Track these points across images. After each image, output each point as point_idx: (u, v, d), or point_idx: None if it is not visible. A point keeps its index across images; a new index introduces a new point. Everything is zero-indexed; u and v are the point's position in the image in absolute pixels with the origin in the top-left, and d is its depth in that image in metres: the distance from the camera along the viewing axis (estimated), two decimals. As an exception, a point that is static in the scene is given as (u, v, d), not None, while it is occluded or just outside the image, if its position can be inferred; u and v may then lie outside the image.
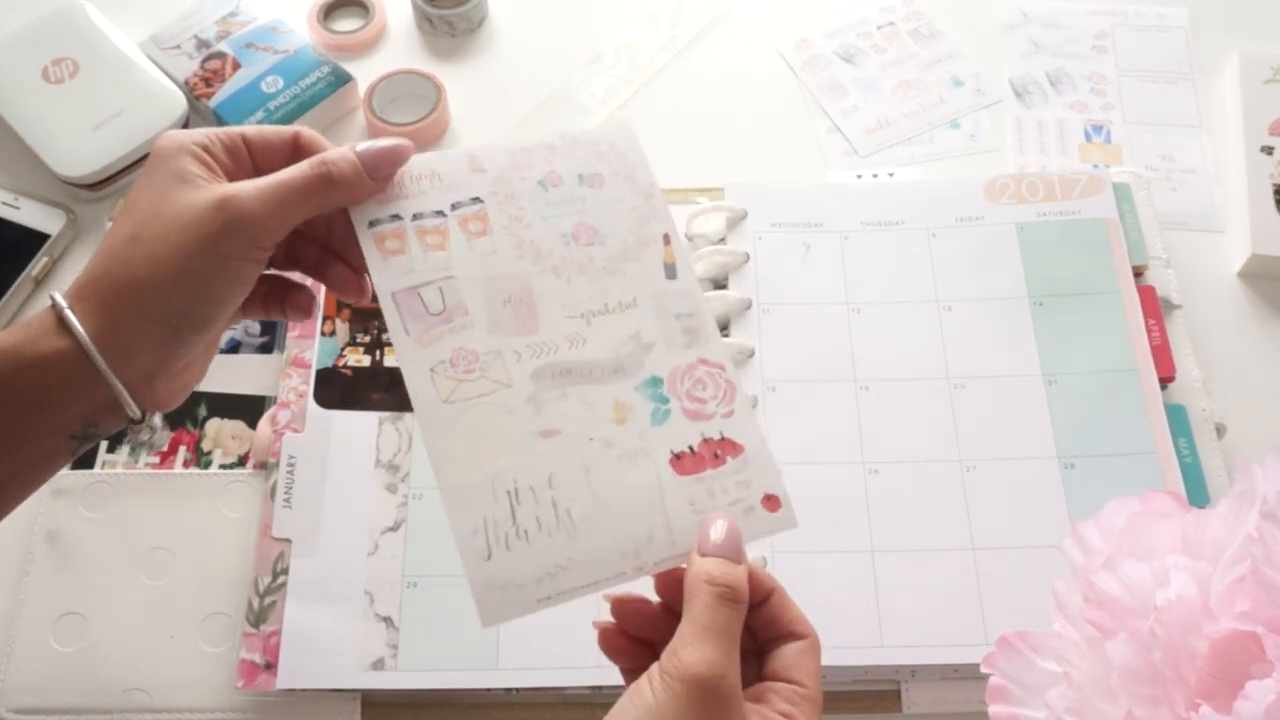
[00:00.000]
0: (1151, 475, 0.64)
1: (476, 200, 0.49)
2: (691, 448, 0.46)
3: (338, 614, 0.61)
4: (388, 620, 0.61)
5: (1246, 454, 0.65)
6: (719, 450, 0.47)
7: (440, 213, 0.49)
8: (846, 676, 0.61)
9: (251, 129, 0.50)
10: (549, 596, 0.45)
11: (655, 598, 0.47)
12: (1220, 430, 0.67)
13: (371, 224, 0.49)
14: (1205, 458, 0.66)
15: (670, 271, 0.49)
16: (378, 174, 0.48)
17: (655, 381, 0.47)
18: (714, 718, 0.41)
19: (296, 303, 0.54)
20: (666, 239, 0.50)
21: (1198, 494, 0.64)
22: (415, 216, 0.49)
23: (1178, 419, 0.67)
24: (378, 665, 0.60)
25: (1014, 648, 0.47)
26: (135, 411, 0.46)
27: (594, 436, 0.46)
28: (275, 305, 0.54)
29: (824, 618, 0.61)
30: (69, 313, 0.45)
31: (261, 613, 0.61)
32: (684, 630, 0.42)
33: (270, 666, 0.60)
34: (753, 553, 0.62)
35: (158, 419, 0.48)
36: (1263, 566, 0.39)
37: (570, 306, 0.48)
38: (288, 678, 0.60)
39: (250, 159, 0.49)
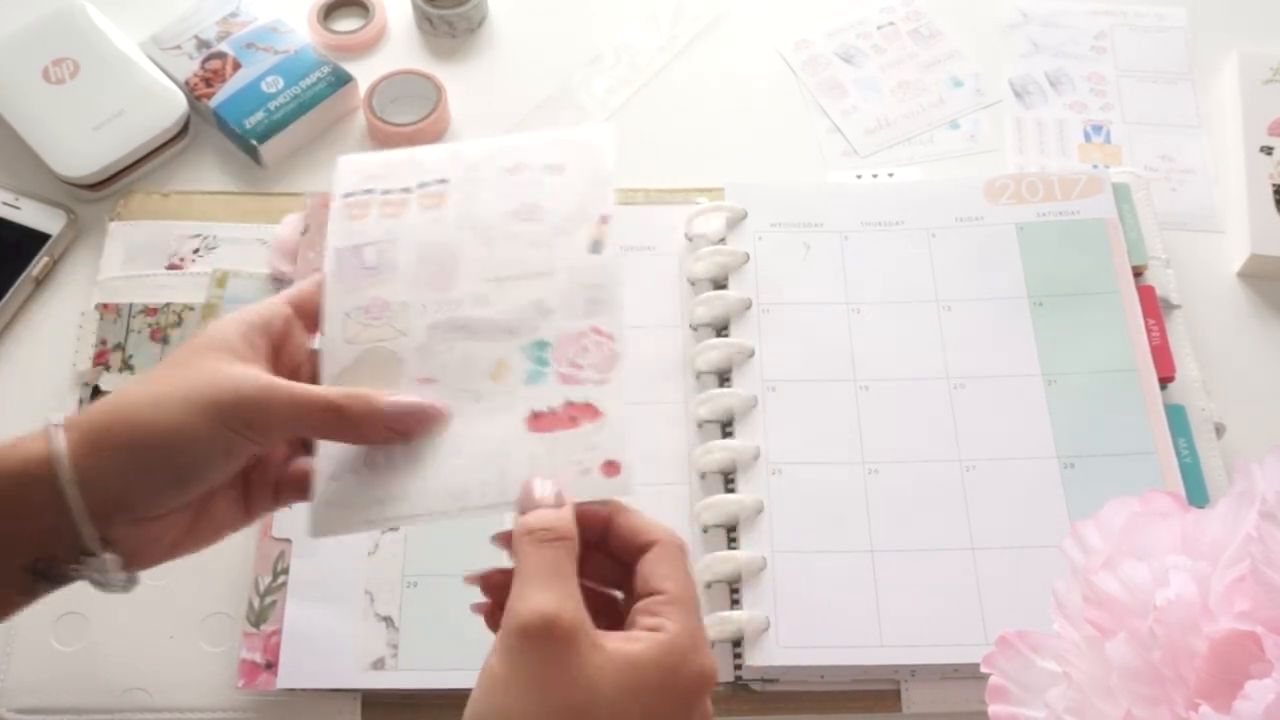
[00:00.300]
0: (1151, 475, 0.64)
1: (442, 181, 0.53)
2: (552, 408, 0.48)
3: (338, 614, 0.61)
4: (388, 620, 0.61)
5: (1246, 454, 0.65)
6: (577, 414, 0.48)
7: (407, 189, 0.53)
8: (846, 676, 0.61)
9: (292, 299, 0.51)
10: (373, 520, 0.47)
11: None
12: (1220, 430, 0.67)
13: (346, 195, 0.53)
14: (1205, 458, 0.66)
15: (595, 247, 0.51)
16: (400, 427, 0.47)
17: (541, 345, 0.49)
18: (556, 660, 0.40)
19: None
20: (604, 219, 0.51)
21: (1197, 494, 0.64)
22: (385, 191, 0.53)
23: (1177, 419, 0.67)
24: (378, 665, 0.60)
25: (1014, 647, 0.47)
26: (90, 537, 0.45)
27: (466, 389, 0.48)
28: (290, 493, 0.52)
29: (824, 618, 0.61)
30: (52, 422, 0.45)
31: (262, 612, 0.62)
32: (513, 586, 0.42)
33: (271, 666, 0.60)
34: (753, 553, 0.62)
35: (111, 560, 0.46)
36: (1262, 566, 0.39)
37: (488, 271, 0.50)
38: (288, 677, 0.60)
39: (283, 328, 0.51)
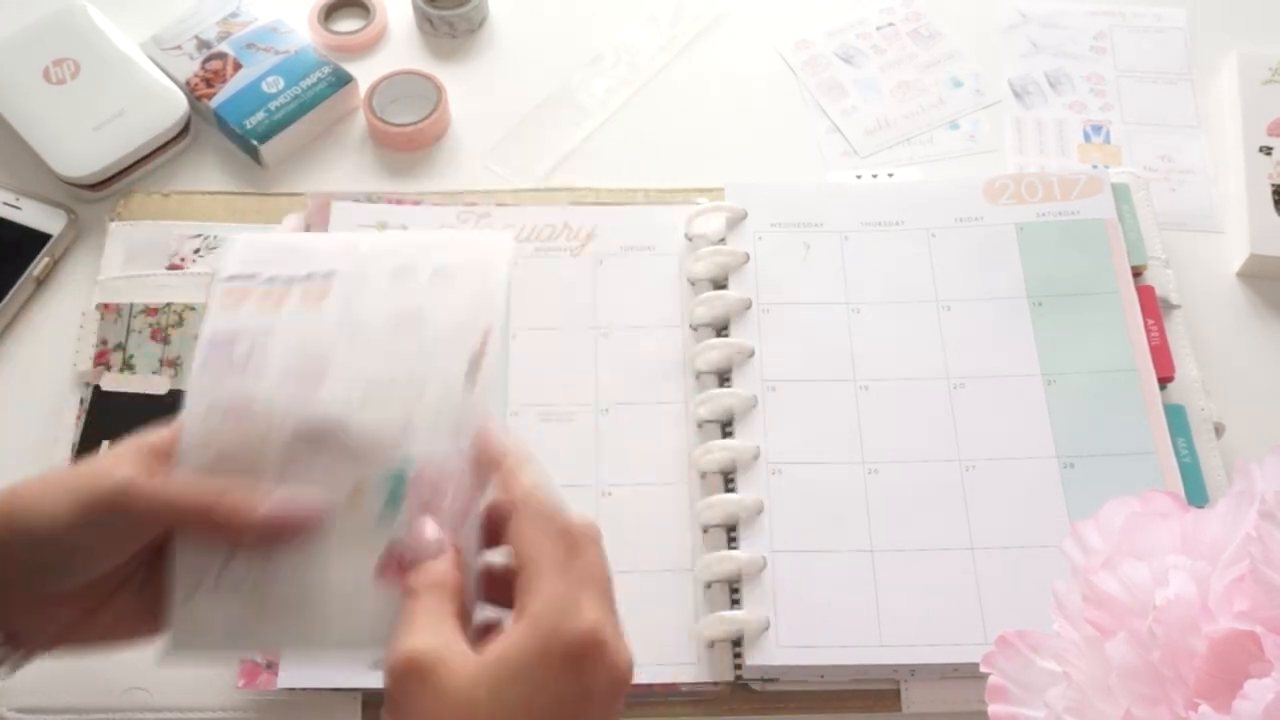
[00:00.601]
0: (1150, 475, 0.64)
1: (329, 274, 0.50)
2: (401, 557, 0.46)
3: (339, 613, 0.61)
4: (389, 620, 0.61)
5: (1245, 454, 0.65)
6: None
7: (291, 279, 0.50)
8: (846, 676, 0.61)
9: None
10: (225, 653, 0.48)
11: None
12: (1219, 430, 0.67)
13: (229, 278, 0.50)
14: (1204, 457, 0.66)
15: (472, 368, 0.48)
16: (270, 530, 0.47)
17: (399, 479, 0.47)
18: (425, 692, 0.40)
19: None
20: (485, 339, 0.49)
21: (1196, 494, 0.64)
22: (269, 279, 0.50)
23: (1177, 419, 0.67)
24: (379, 665, 0.60)
25: (1013, 647, 0.47)
26: None
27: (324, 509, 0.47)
28: None
29: (824, 618, 0.61)
30: None
31: (263, 612, 0.62)
32: None
33: (271, 665, 0.60)
34: (753, 553, 0.62)
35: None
36: (1261, 566, 0.39)
37: (359, 379, 0.48)
38: (288, 677, 0.60)
39: None
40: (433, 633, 0.42)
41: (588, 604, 0.42)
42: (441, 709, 0.40)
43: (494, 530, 0.46)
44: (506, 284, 0.50)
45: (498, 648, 0.41)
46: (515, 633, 0.41)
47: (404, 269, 0.50)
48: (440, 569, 0.44)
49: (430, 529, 0.45)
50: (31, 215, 0.75)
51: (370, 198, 0.74)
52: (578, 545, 0.43)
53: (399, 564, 0.45)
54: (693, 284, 0.72)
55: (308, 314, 0.49)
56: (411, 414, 0.47)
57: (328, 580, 0.46)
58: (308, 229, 0.72)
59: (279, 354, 0.48)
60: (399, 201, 0.74)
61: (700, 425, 0.67)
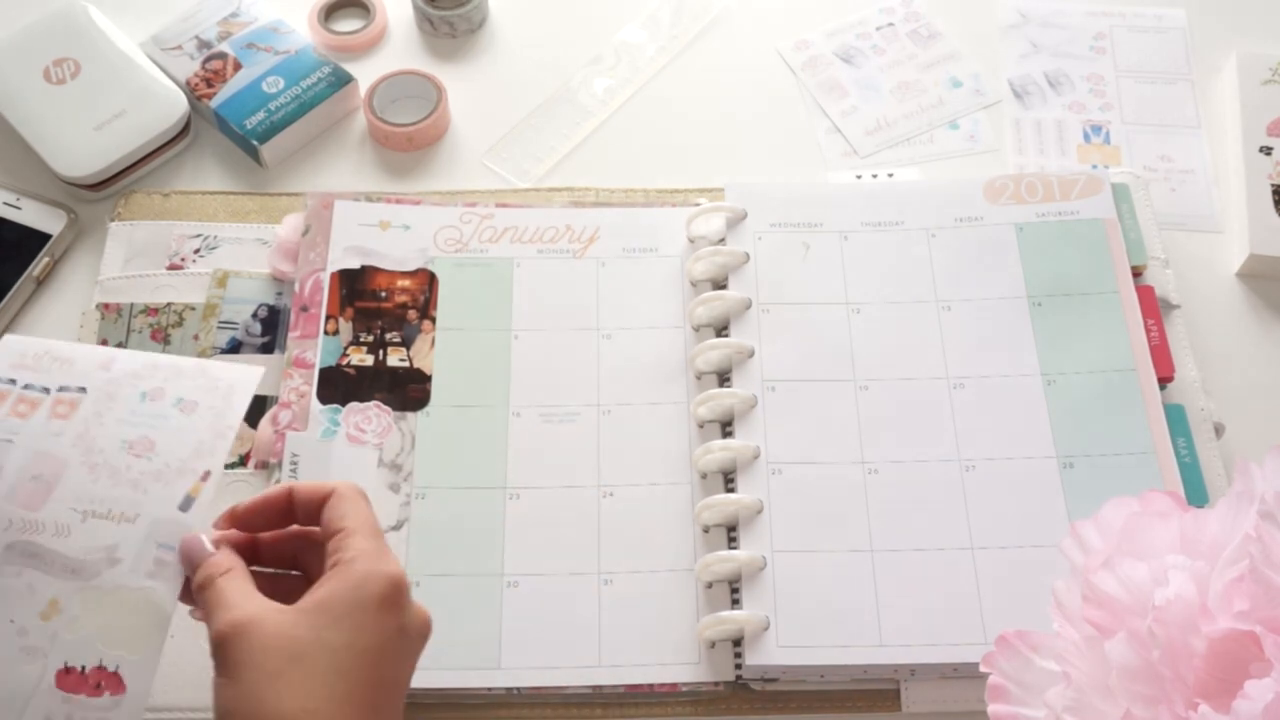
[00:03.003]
0: (1150, 475, 0.64)
1: (80, 390, 0.53)
2: (84, 667, 0.48)
3: (339, 613, 0.61)
4: (389, 619, 0.61)
5: (1245, 453, 0.65)
6: (103, 681, 0.48)
7: (45, 389, 0.52)
8: (846, 676, 0.61)
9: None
10: None
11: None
12: (1219, 430, 0.67)
13: None
14: (1204, 457, 0.66)
15: (186, 504, 0.51)
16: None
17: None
18: (251, 648, 0.44)
19: None
20: (205, 475, 0.51)
21: (1196, 493, 0.65)
22: (26, 386, 0.53)
23: (1176, 419, 0.67)
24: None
25: (1013, 647, 0.47)
26: None
27: (14, 620, 0.48)
28: None
29: (824, 618, 0.61)
30: None
31: (263, 612, 0.62)
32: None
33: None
34: (753, 553, 0.62)
35: None
36: (1261, 566, 0.39)
37: (79, 501, 0.50)
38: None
39: None
40: (242, 599, 0.46)
41: (394, 560, 0.48)
42: (267, 658, 0.44)
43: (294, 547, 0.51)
44: (237, 425, 0.53)
45: (313, 595, 0.46)
46: (330, 580, 0.46)
47: (151, 394, 0.53)
48: (223, 556, 0.48)
49: (202, 537, 0.49)
50: (31, 215, 0.75)
51: (370, 197, 0.74)
52: (375, 522, 0.49)
53: (79, 677, 0.48)
54: (693, 284, 0.72)
55: (51, 427, 0.51)
56: (118, 544, 0.49)
57: (8, 680, 0.47)
58: (308, 229, 0.72)
59: (15, 462, 0.50)
60: (399, 201, 0.74)
61: (700, 425, 0.67)
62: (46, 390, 0.52)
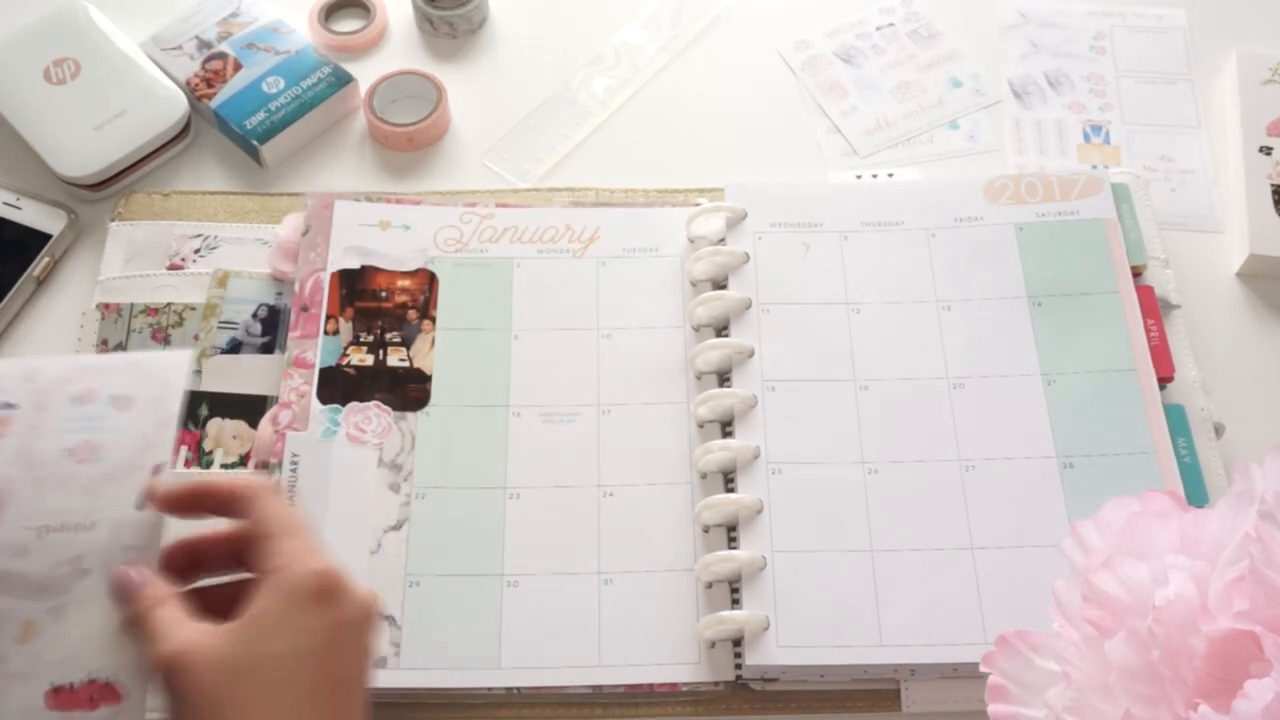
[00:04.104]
0: (1150, 475, 0.64)
1: (8, 406, 0.50)
2: (73, 684, 0.47)
3: (339, 613, 0.61)
4: (390, 619, 0.61)
5: (1245, 453, 0.65)
6: (96, 694, 0.47)
7: None
8: (846, 676, 0.61)
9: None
10: None
11: None
12: (1219, 430, 0.67)
13: None
14: (1204, 457, 0.66)
15: (142, 502, 0.50)
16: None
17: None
18: (194, 675, 0.44)
19: None
20: (157, 469, 0.50)
21: (1196, 493, 0.65)
22: None
23: (1176, 419, 0.67)
24: (380, 664, 0.60)
25: (1013, 647, 0.47)
26: None
27: None
28: None
29: (824, 617, 0.61)
30: None
31: (263, 612, 0.62)
32: None
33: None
34: (753, 553, 0.62)
35: None
36: (1261, 566, 0.39)
37: (33, 518, 0.49)
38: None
39: None
40: (175, 629, 0.46)
41: (320, 552, 0.47)
42: (211, 683, 0.44)
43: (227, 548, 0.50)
44: (179, 413, 0.51)
45: (245, 609, 0.45)
46: (260, 591, 0.46)
47: (83, 397, 0.51)
48: (153, 589, 0.48)
49: (131, 572, 0.48)
50: (32, 215, 0.75)
51: (370, 197, 0.74)
52: (294, 514, 0.49)
53: (70, 694, 0.47)
54: (693, 284, 0.72)
55: None
56: (82, 554, 0.48)
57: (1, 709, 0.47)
58: (308, 229, 0.72)
59: None
60: (399, 201, 0.74)
61: (700, 425, 0.67)
62: None
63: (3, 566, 0.48)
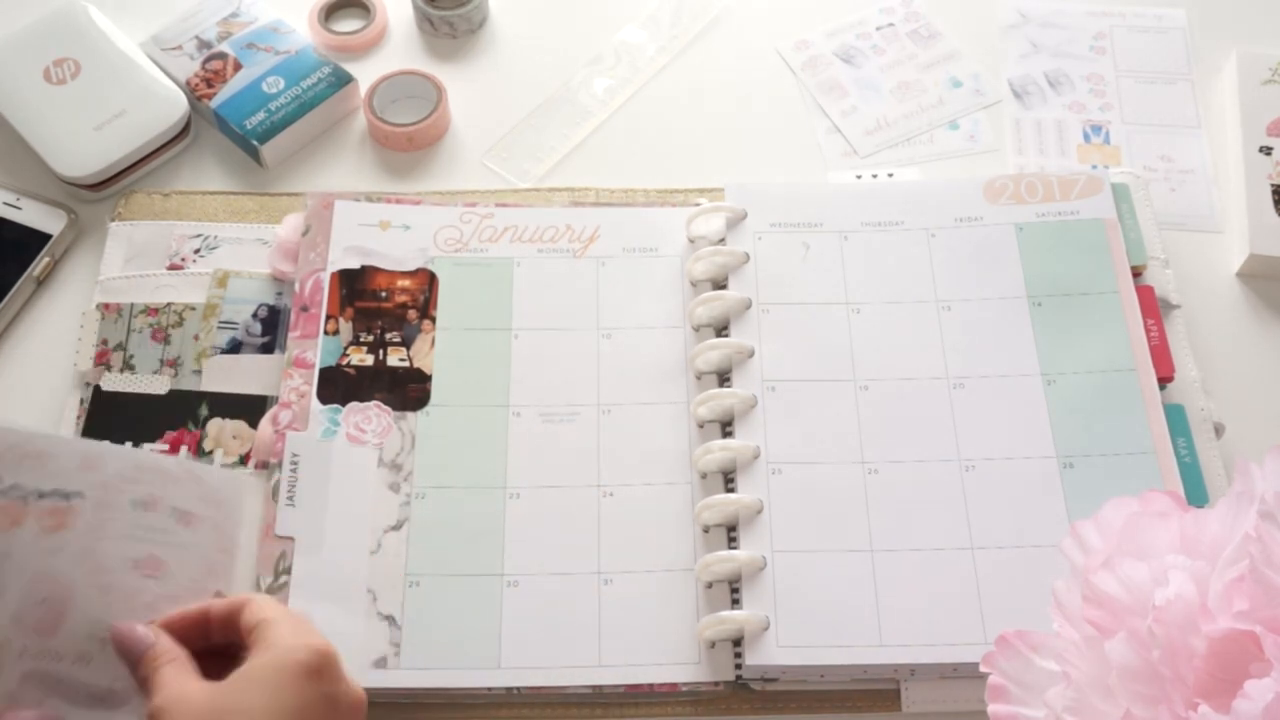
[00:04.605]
0: (1150, 475, 0.64)
1: (72, 496, 0.48)
2: None
3: (340, 612, 0.61)
4: (390, 619, 0.61)
5: (1245, 453, 0.65)
6: None
7: (29, 495, 0.46)
8: (846, 676, 0.61)
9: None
10: None
11: None
12: (1219, 430, 0.67)
13: None
14: (1204, 457, 0.66)
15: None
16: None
17: None
18: None
19: None
20: (217, 595, 0.52)
21: (1196, 493, 0.65)
22: (7, 490, 0.46)
23: (1176, 418, 0.67)
24: (380, 664, 0.60)
25: (1013, 647, 0.47)
26: None
27: None
28: None
29: (824, 617, 0.61)
30: None
31: (263, 612, 0.62)
32: None
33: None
34: (753, 553, 0.62)
35: None
36: (1261, 566, 0.39)
37: (98, 626, 0.49)
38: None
39: None
40: (170, 684, 0.47)
41: (319, 634, 0.49)
42: None
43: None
44: (242, 544, 0.52)
45: (237, 670, 0.47)
46: (254, 654, 0.48)
47: (146, 503, 0.50)
48: (165, 646, 0.49)
49: (139, 628, 0.49)
50: (32, 215, 0.75)
51: (370, 197, 0.74)
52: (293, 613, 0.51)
53: None
54: (693, 284, 0.72)
55: (47, 543, 0.47)
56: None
57: None
58: (308, 229, 0.72)
59: (15, 583, 0.46)
60: (399, 201, 0.74)
61: (700, 425, 0.67)
62: (29, 497, 0.46)
63: (65, 672, 0.47)
